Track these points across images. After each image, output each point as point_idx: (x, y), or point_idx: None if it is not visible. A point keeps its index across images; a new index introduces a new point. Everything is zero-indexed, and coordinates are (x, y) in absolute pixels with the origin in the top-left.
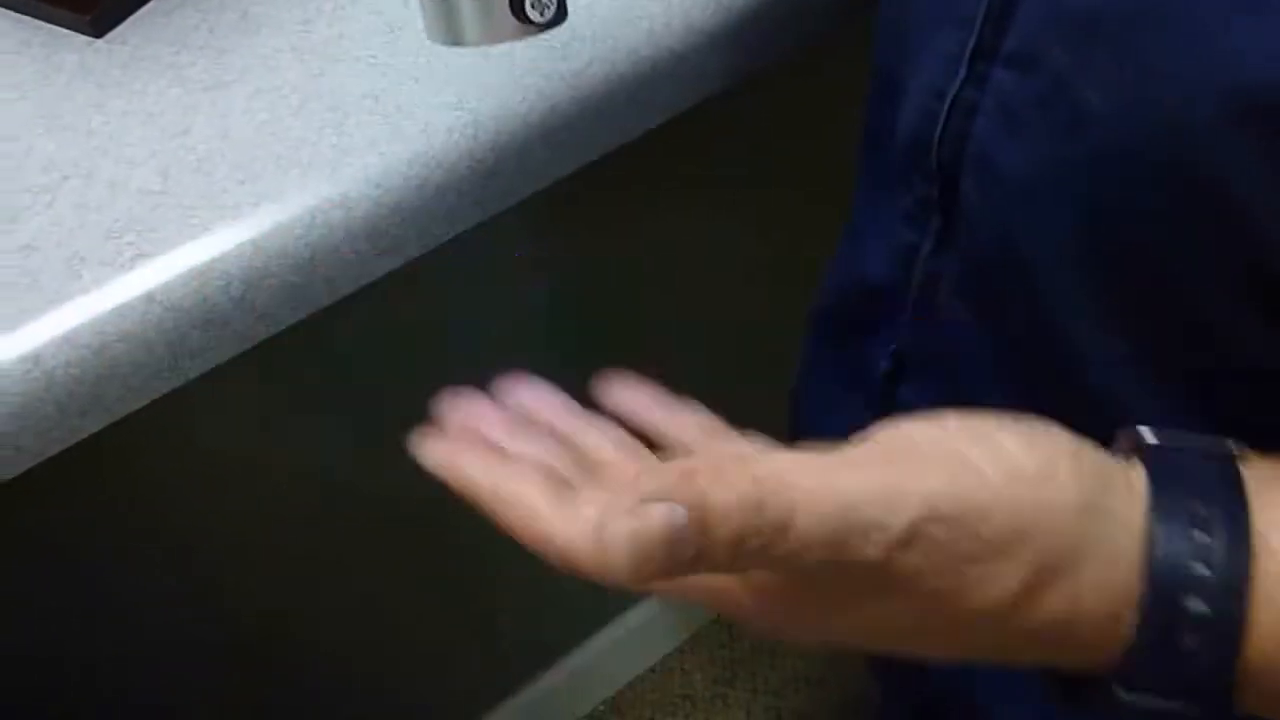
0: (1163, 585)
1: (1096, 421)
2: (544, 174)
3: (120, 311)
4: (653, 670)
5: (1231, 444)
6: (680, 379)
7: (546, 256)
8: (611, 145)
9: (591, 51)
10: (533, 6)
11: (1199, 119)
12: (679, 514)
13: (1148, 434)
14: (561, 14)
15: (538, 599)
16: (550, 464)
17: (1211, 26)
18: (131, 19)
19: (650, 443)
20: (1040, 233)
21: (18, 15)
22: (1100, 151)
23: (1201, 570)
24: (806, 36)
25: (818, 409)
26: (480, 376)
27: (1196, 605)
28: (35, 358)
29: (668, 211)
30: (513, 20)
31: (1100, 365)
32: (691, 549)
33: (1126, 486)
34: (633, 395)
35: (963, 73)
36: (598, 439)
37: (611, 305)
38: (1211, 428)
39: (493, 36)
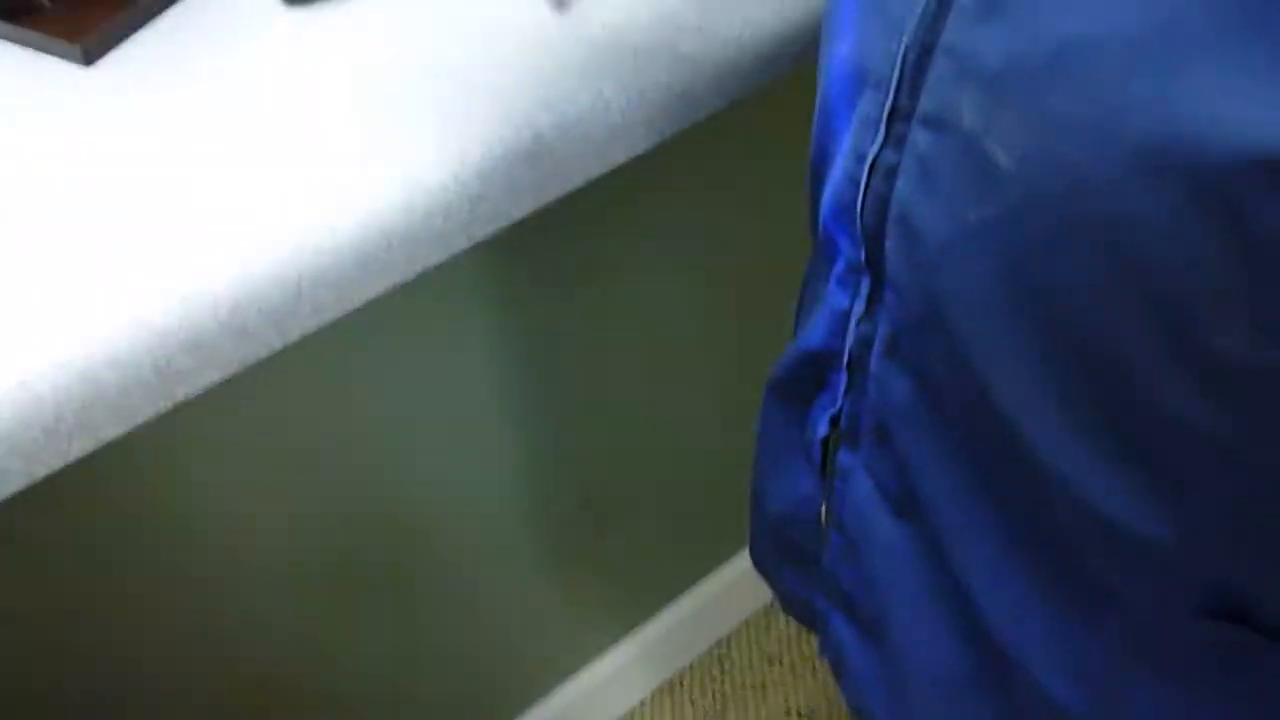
0: None
1: (1033, 480)
2: (525, 201)
3: (108, 335)
4: (643, 704)
5: None
6: (646, 439)
7: (503, 306)
8: (595, 173)
9: (577, 81)
10: None
11: (1106, 177)
12: None
13: None
14: None
15: (517, 643)
16: None
17: (1113, 85)
18: (123, 48)
19: None
20: (963, 292)
21: (14, 46)
22: (1015, 210)
23: None
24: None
25: (769, 472)
26: (432, 430)
27: None
28: (23, 381)
29: (629, 265)
30: None
31: (1032, 423)
32: None
33: None
34: None
35: (881, 134)
36: None
37: (568, 360)
38: (1149, 484)
39: None
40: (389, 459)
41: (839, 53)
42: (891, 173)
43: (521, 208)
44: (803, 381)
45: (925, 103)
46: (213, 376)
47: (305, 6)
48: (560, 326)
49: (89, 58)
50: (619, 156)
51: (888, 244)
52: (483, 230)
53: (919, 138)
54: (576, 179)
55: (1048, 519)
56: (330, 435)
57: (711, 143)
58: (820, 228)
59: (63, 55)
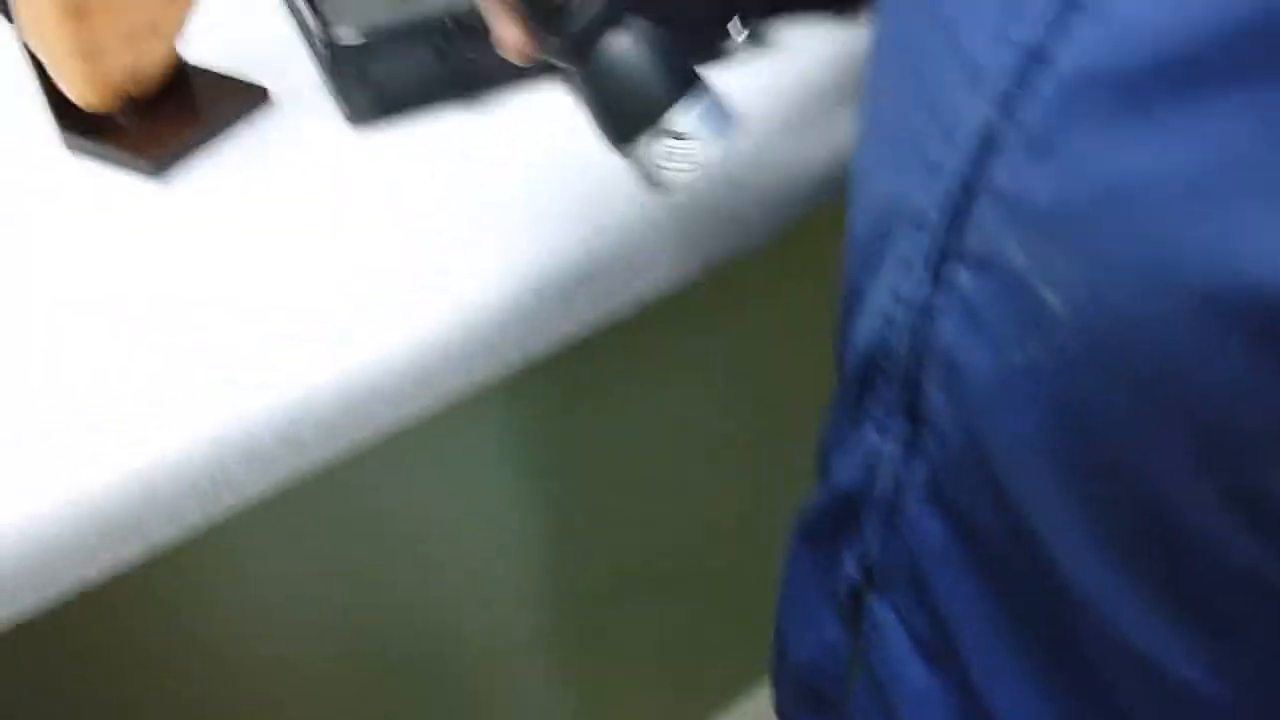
0: None
1: (1075, 625)
2: (581, 319)
3: (166, 442)
4: None
5: None
6: (669, 572)
7: (535, 416)
8: (645, 294)
9: (631, 205)
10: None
11: (1162, 319)
12: None
13: None
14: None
15: None
16: None
17: (1169, 224)
18: (192, 163)
19: None
20: (1008, 433)
21: (91, 160)
22: (1065, 352)
23: None
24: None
25: (794, 618)
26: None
27: None
28: (79, 485)
29: (658, 395)
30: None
31: (1076, 565)
32: None
33: None
34: None
35: (921, 275)
36: None
37: (594, 491)
38: (1194, 630)
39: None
40: (423, 561)
41: (874, 190)
42: (932, 313)
43: (574, 325)
44: (832, 524)
45: (969, 243)
46: (264, 486)
47: (370, 128)
48: (589, 440)
49: (160, 171)
50: (671, 278)
51: (928, 385)
52: (535, 346)
53: (962, 278)
54: (626, 299)
55: (1090, 666)
56: (369, 538)
57: (747, 270)
58: (850, 367)
59: (136, 169)
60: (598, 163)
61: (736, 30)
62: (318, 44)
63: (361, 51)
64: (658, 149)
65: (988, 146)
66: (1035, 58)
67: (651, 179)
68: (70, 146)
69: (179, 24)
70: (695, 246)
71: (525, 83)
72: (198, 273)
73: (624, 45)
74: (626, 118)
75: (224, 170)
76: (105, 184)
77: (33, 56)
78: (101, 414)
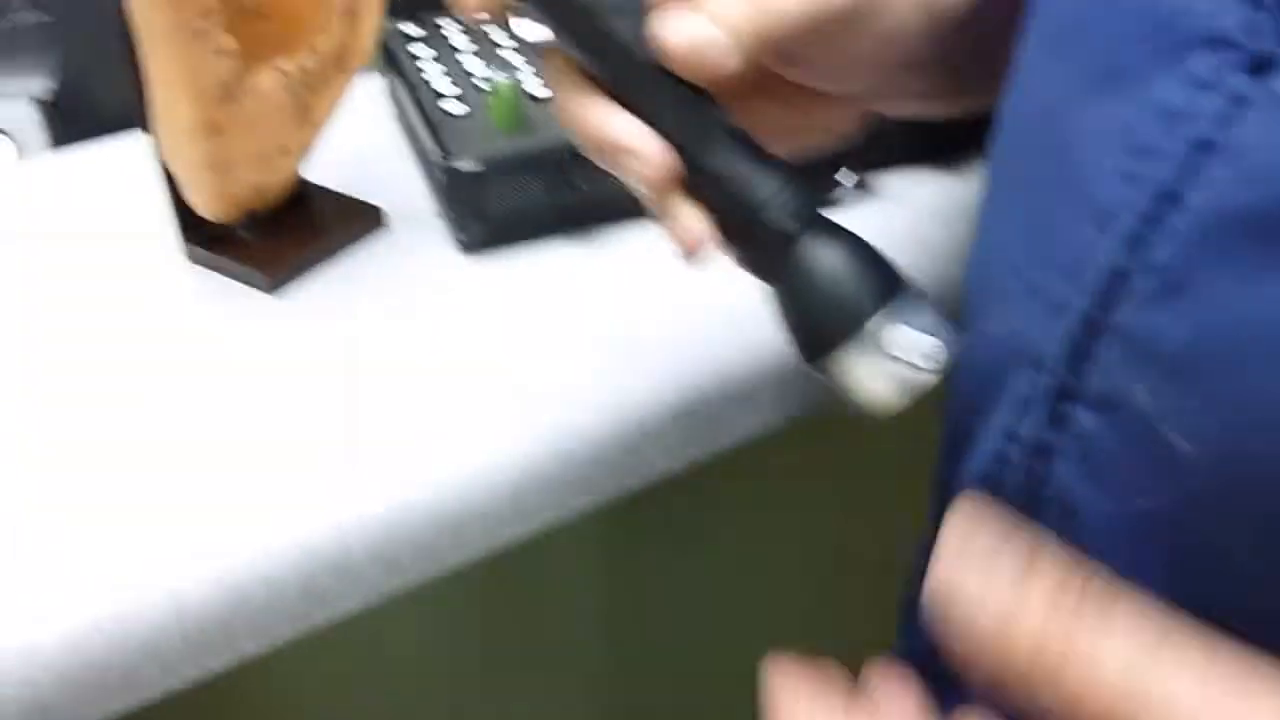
0: None
1: None
2: (680, 456)
3: (259, 550)
4: None
5: None
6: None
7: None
8: (747, 435)
9: (741, 346)
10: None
11: None
12: None
13: None
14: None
15: None
16: None
17: None
18: (308, 280)
19: None
20: (1124, 576)
21: (210, 271)
22: (1193, 498)
23: None
24: None
25: None
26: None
27: None
28: (170, 589)
29: (741, 535)
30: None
31: None
32: None
33: None
34: None
35: (1038, 415)
36: None
37: (662, 625)
38: None
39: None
40: (491, 691)
41: (985, 332)
42: (1049, 454)
43: (673, 463)
44: (929, 669)
45: (1092, 384)
46: (355, 602)
47: (481, 256)
48: (668, 574)
49: (277, 287)
50: (768, 422)
51: (1040, 527)
52: (632, 482)
53: (1083, 420)
54: (725, 440)
55: None
56: (441, 666)
57: (840, 417)
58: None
59: (253, 284)
60: (705, 302)
61: (845, 178)
62: (435, 170)
63: (479, 180)
64: (860, 363)
65: (1115, 287)
66: (1166, 198)
67: (855, 394)
68: (191, 257)
69: (307, 147)
70: (796, 391)
71: (640, 219)
72: (303, 385)
73: (822, 251)
74: (823, 331)
75: (338, 290)
76: (222, 295)
77: (164, 168)
78: (196, 517)
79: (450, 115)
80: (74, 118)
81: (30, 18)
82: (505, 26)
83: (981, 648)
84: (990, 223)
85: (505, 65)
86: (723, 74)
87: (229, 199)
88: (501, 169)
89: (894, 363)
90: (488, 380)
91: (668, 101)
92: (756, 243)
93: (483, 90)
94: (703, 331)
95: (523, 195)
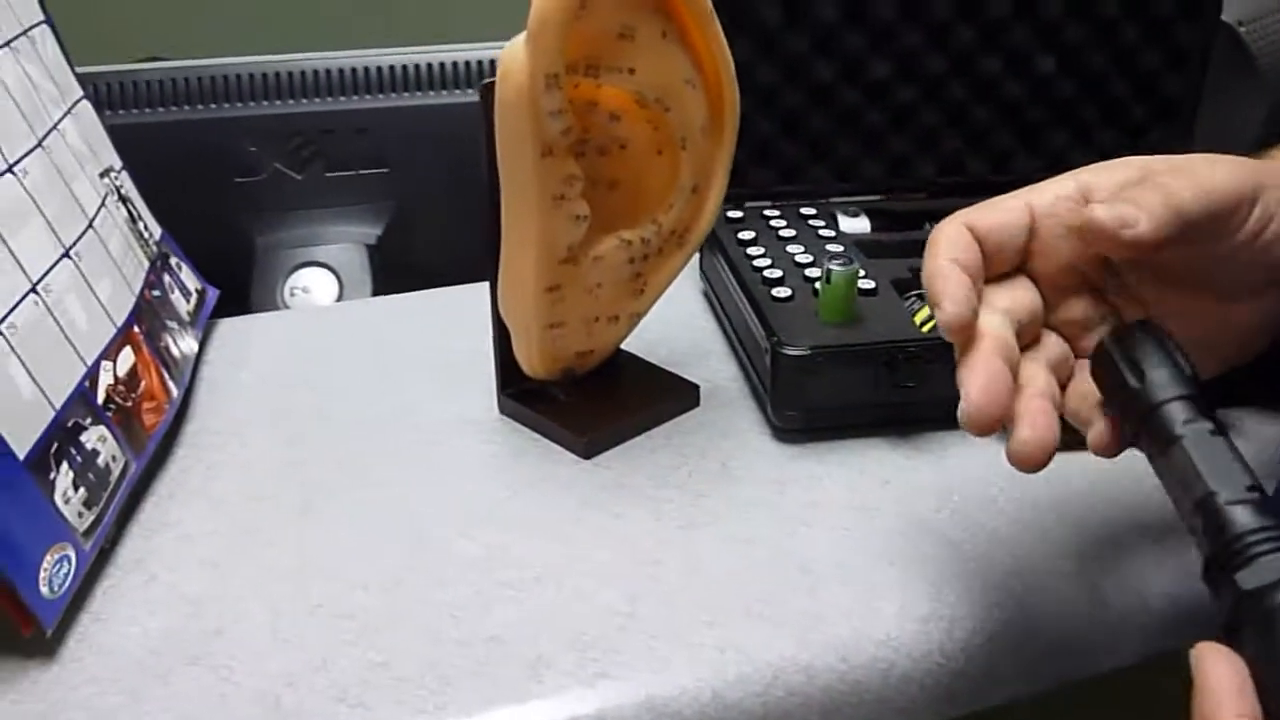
0: None
1: None
2: (1009, 688)
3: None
4: None
5: None
6: None
7: None
8: (1076, 676)
9: (1077, 580)
10: None
11: None
12: None
13: None
14: None
15: None
16: None
17: None
18: (619, 449)
19: None
20: None
21: (521, 427)
22: None
23: None
24: None
25: None
26: None
27: None
28: None
29: None
30: None
31: None
32: None
33: None
34: None
35: None
36: None
37: None
38: None
39: None
40: None
41: None
42: None
43: (999, 695)
44: None
45: None
46: None
47: (796, 444)
48: None
49: (591, 453)
50: (1105, 665)
51: None
52: (953, 709)
53: None
54: (1049, 681)
55: None
56: None
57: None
58: None
59: (567, 445)
60: (1020, 533)
61: None
62: (758, 353)
63: (804, 366)
64: None
65: None
66: None
67: None
68: (503, 409)
69: (637, 317)
70: (1139, 632)
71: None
72: (614, 554)
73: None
74: None
75: (648, 461)
76: (533, 453)
77: (498, 320)
78: (507, 677)
79: (776, 299)
80: (394, 265)
81: (373, 169)
82: (833, 221)
83: None
84: None
85: (829, 255)
86: (1141, 239)
87: (554, 358)
88: (829, 358)
89: None
90: (814, 570)
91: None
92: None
93: (809, 277)
94: (1023, 559)
95: (847, 387)
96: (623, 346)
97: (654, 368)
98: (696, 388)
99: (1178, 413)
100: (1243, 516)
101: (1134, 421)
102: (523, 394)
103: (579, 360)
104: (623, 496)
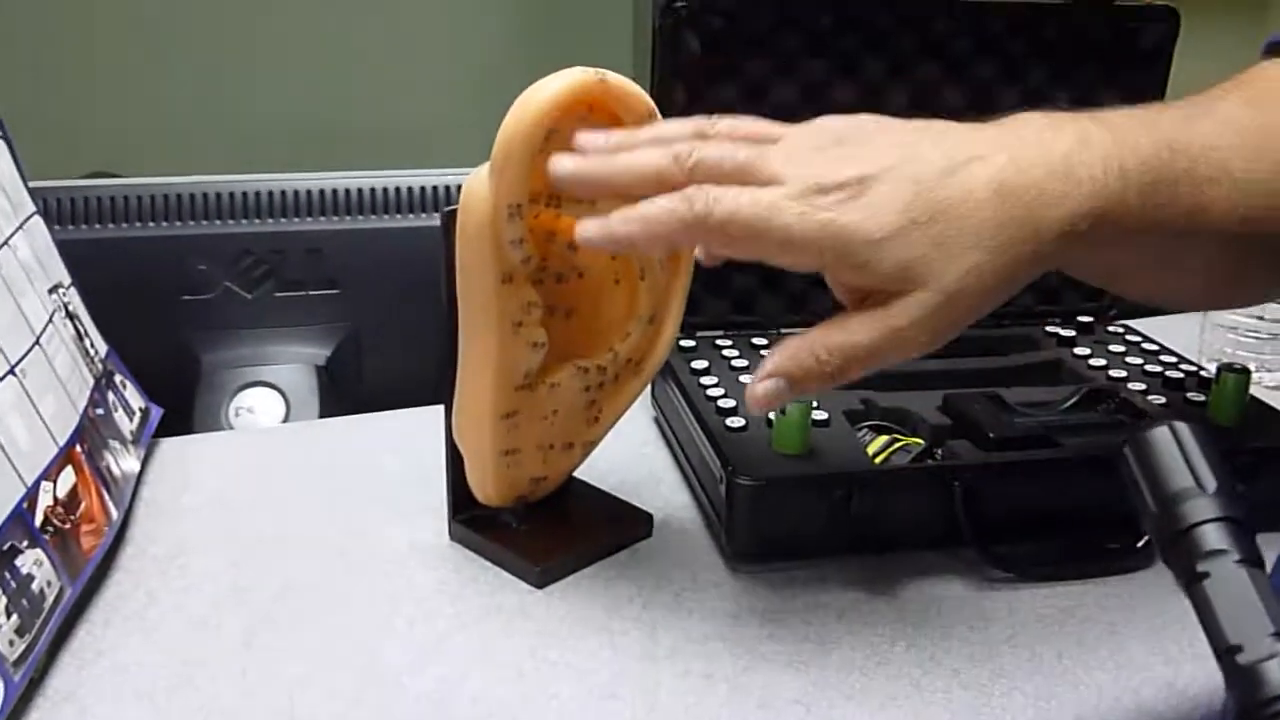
0: None
1: None
2: None
3: None
4: None
5: None
6: None
7: None
8: None
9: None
10: None
11: None
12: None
13: None
14: None
15: None
16: None
17: None
18: (573, 578)
19: None
20: None
21: (472, 554)
22: None
23: None
24: None
25: None
26: None
27: None
28: None
29: None
30: None
31: None
32: None
33: None
34: None
35: None
36: None
37: None
38: None
39: None
40: None
41: None
42: None
43: None
44: None
45: None
46: None
47: (751, 574)
48: None
49: (544, 581)
50: None
51: None
52: None
53: None
54: None
55: None
56: None
57: None
58: None
59: (520, 574)
60: (977, 670)
61: None
62: (712, 482)
63: (757, 496)
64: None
65: None
66: None
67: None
68: (454, 536)
69: (591, 445)
70: None
71: (920, 556)
72: (570, 687)
73: None
74: None
75: (602, 591)
76: (485, 581)
77: (451, 446)
78: None
79: (730, 429)
80: (344, 386)
81: (324, 289)
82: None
83: None
84: None
85: None
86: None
87: (509, 485)
88: (784, 489)
89: None
90: (771, 706)
91: None
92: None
93: None
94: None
95: (802, 518)
96: (575, 474)
97: (607, 495)
98: (650, 517)
99: (1201, 542)
100: (1273, 674)
101: (1160, 547)
102: (474, 520)
103: (533, 487)
104: (577, 628)
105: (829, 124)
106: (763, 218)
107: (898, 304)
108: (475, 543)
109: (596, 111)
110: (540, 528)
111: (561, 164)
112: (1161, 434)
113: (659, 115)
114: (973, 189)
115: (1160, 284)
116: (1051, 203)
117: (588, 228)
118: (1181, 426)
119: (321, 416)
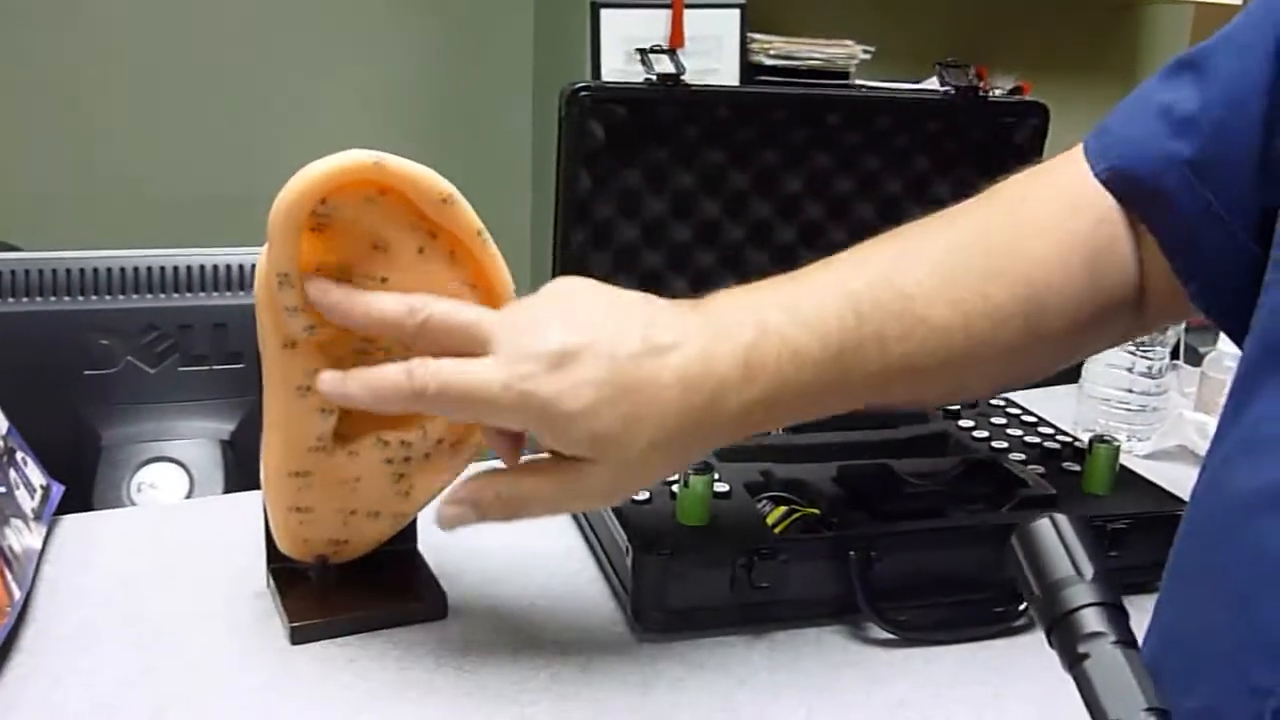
0: None
1: None
2: None
3: None
4: None
5: None
6: None
7: None
8: None
9: None
10: None
11: None
12: None
13: None
14: None
15: None
16: None
17: None
18: (489, 646)
19: None
20: None
21: (269, 596)
22: None
23: None
24: None
25: None
26: None
27: None
28: None
29: None
30: None
31: None
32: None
33: None
34: None
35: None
36: None
37: None
38: None
39: None
40: None
41: (1182, 706)
42: None
43: None
44: None
45: None
46: None
47: (657, 643)
48: None
49: (298, 640)
50: None
51: None
52: None
53: None
54: None
55: None
56: None
57: None
58: None
59: (284, 623)
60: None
61: None
62: (619, 554)
63: (662, 567)
64: None
65: None
66: None
67: None
68: (269, 584)
69: (402, 518)
70: None
71: (818, 623)
72: None
73: None
74: None
75: (509, 662)
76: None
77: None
78: None
79: (635, 502)
80: (249, 461)
81: (229, 364)
82: None
83: None
84: (1185, 599)
85: None
86: None
87: (300, 540)
88: (688, 560)
89: None
90: None
91: None
92: None
93: (666, 481)
94: None
95: (706, 588)
96: (477, 536)
97: (422, 570)
98: (444, 597)
99: (1080, 625)
100: None
101: (1045, 629)
102: (280, 571)
103: (335, 549)
104: (487, 701)
105: (553, 288)
106: (472, 392)
107: (584, 468)
108: (273, 591)
109: (388, 193)
110: (334, 588)
111: (317, 289)
112: (1044, 526)
113: (456, 198)
114: (660, 375)
115: (910, 400)
116: (730, 392)
117: (325, 380)
118: (1061, 519)
119: (226, 491)
